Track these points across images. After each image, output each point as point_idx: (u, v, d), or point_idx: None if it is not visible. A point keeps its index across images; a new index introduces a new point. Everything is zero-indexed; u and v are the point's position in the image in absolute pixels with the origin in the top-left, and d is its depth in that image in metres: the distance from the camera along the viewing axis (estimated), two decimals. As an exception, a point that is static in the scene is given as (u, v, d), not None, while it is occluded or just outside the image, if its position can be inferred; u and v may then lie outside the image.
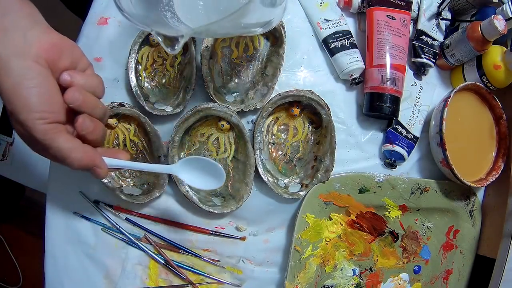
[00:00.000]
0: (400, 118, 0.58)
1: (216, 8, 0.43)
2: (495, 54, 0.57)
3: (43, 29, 0.33)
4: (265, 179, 0.54)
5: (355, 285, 0.58)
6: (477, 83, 0.58)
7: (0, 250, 1.30)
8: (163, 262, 0.56)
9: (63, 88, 0.34)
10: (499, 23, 0.52)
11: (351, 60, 0.56)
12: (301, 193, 0.55)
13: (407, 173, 0.60)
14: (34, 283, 1.26)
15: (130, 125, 0.55)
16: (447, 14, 0.61)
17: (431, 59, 0.59)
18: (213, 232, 0.56)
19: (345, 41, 0.57)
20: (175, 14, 0.39)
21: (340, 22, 0.58)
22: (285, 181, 0.57)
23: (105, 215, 0.56)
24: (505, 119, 0.60)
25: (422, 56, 0.59)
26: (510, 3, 0.54)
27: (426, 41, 0.59)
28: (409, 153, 0.58)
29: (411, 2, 0.59)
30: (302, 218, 0.54)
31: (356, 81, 0.56)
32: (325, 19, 0.58)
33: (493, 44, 0.56)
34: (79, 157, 0.34)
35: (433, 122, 0.57)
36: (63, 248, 0.56)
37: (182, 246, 0.56)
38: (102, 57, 0.56)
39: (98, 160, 0.37)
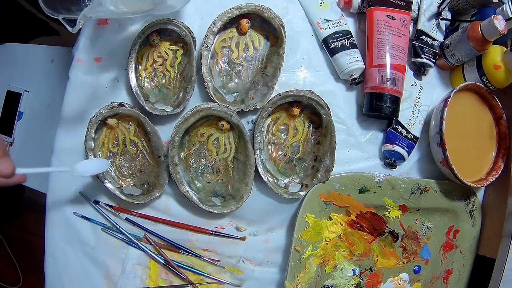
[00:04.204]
0: (400, 118, 0.58)
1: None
2: (495, 54, 0.57)
3: None
4: (265, 179, 0.54)
5: (355, 285, 0.58)
6: (477, 83, 0.58)
7: (0, 250, 1.30)
8: (163, 262, 0.56)
9: None
10: (499, 23, 0.52)
11: (351, 60, 0.56)
12: (301, 193, 0.55)
13: (407, 173, 0.60)
14: (34, 283, 1.26)
15: (130, 125, 0.55)
16: (447, 14, 0.61)
17: (431, 59, 0.59)
18: (213, 232, 0.56)
19: (345, 41, 0.57)
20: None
21: (340, 22, 0.58)
22: (285, 181, 0.57)
23: (105, 215, 0.56)
24: (505, 119, 0.60)
25: (422, 56, 0.59)
26: (510, 3, 0.54)
27: (426, 41, 0.59)
28: (409, 153, 0.58)
29: (411, 2, 0.59)
30: (302, 218, 0.54)
31: (356, 81, 0.56)
32: (325, 19, 0.58)
33: (493, 44, 0.56)
34: None
35: (433, 122, 0.57)
36: (63, 248, 0.56)
37: (182, 246, 0.56)
38: (102, 57, 0.56)
39: None
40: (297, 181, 0.57)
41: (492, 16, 0.52)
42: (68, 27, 0.39)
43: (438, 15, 0.60)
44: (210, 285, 0.57)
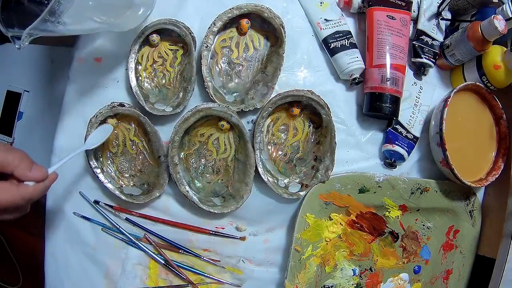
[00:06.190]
0: (400, 118, 0.58)
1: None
2: (495, 54, 0.57)
3: None
4: (265, 179, 0.54)
5: (355, 285, 0.58)
6: (477, 83, 0.58)
7: (0, 250, 1.30)
8: (163, 262, 0.56)
9: None
10: (499, 23, 0.52)
11: (351, 60, 0.56)
12: (301, 193, 0.55)
13: (407, 173, 0.60)
14: (34, 283, 1.26)
15: (130, 125, 0.55)
16: (447, 14, 0.61)
17: (431, 59, 0.59)
18: (213, 232, 0.56)
19: (345, 41, 0.57)
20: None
21: (340, 22, 0.58)
22: (285, 181, 0.57)
23: (105, 215, 0.56)
24: (505, 119, 0.60)
25: (422, 56, 0.59)
26: (510, 3, 0.54)
27: (426, 41, 0.59)
28: (409, 153, 0.58)
29: (411, 2, 0.59)
30: (302, 218, 0.54)
31: (356, 81, 0.56)
32: (325, 19, 0.58)
33: (493, 44, 0.56)
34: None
35: (433, 122, 0.57)
36: (63, 248, 0.56)
37: (182, 246, 0.56)
38: (102, 57, 0.56)
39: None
40: (297, 181, 0.57)
41: (492, 16, 0.52)
42: (15, 43, 0.38)
43: (438, 15, 0.60)
44: (210, 285, 0.57)
